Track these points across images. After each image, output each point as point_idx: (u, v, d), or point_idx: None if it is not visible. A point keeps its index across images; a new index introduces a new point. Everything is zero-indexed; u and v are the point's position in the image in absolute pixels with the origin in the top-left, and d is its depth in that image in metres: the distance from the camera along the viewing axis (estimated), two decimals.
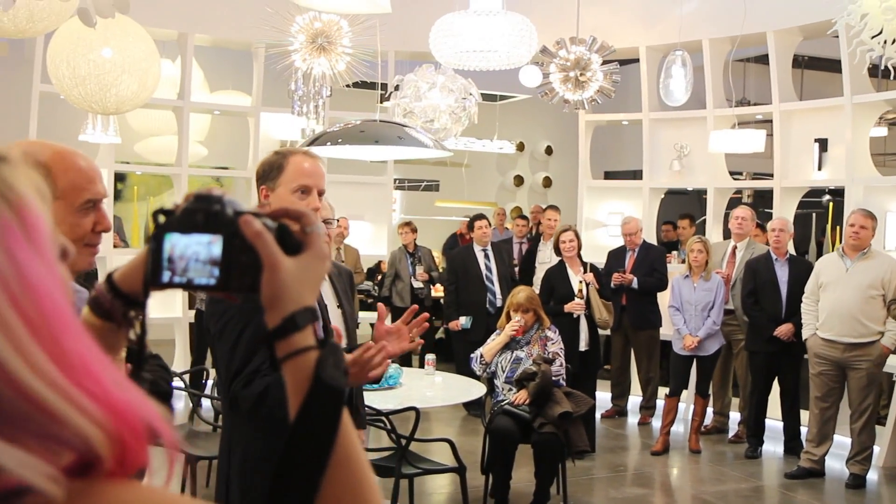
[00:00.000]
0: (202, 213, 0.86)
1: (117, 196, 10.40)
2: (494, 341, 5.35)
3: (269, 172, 2.32)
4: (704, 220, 8.37)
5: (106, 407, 0.61)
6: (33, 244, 0.63)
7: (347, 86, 6.21)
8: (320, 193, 2.47)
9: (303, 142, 4.88)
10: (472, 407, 6.22)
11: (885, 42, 5.04)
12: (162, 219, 0.87)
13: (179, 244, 0.85)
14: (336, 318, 3.25)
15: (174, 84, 8.41)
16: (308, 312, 0.87)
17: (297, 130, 7.87)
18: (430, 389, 5.18)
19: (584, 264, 6.49)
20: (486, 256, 7.73)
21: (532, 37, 5.41)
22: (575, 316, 6.33)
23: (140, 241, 8.26)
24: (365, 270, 8.96)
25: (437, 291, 9.73)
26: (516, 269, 8.62)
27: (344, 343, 3.26)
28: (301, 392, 0.82)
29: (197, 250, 0.85)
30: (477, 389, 5.22)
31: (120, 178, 10.04)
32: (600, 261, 7.70)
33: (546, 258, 8.18)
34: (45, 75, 5.78)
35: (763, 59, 8.22)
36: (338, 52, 5.60)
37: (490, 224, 7.99)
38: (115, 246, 8.01)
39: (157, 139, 9.35)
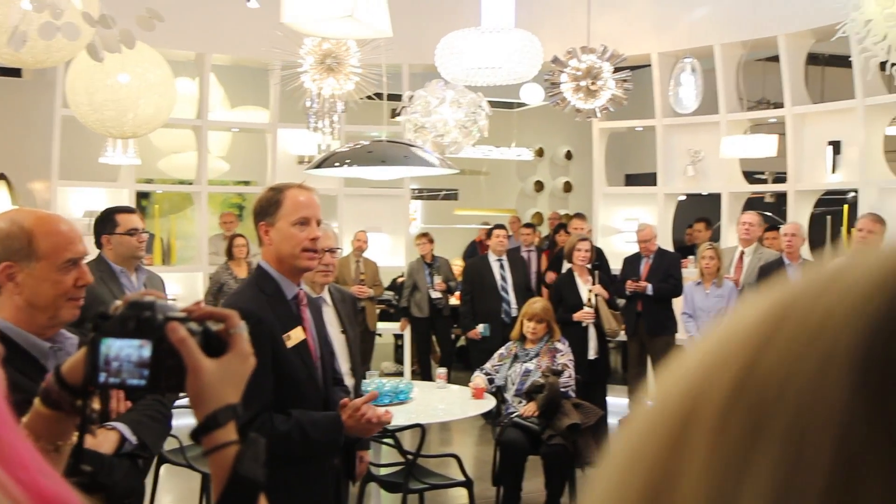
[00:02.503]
0: (134, 319, 0.97)
1: (142, 213, 10.61)
2: (476, 381, 5.40)
3: (268, 209, 2.43)
4: (720, 224, 8.39)
5: (35, 495, 0.67)
6: None
7: (364, 98, 6.34)
8: (318, 223, 2.58)
9: (312, 163, 4.99)
10: (490, 415, 6.30)
11: (890, 48, 5.07)
12: (100, 324, 0.98)
13: (114, 347, 0.96)
14: (339, 344, 3.37)
15: (195, 102, 8.59)
16: (230, 410, 0.98)
17: (314, 145, 8.03)
18: (442, 403, 5.27)
19: (593, 274, 6.55)
20: (502, 266, 7.81)
21: (537, 53, 5.49)
22: (584, 325, 6.40)
23: (161, 258, 8.42)
24: (384, 283, 9.07)
25: (456, 300, 9.84)
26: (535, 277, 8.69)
27: (347, 367, 3.38)
28: (221, 483, 0.93)
29: (129, 353, 0.96)
30: (489, 402, 5.30)
31: (144, 194, 10.25)
32: (616, 267, 7.76)
33: None
34: (66, 100, 5.96)
35: (779, 59, 8.23)
36: (346, 73, 5.72)
37: (509, 234, 8.07)
38: (147, 265, 8.21)
39: (180, 156, 9.55)
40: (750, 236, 7.04)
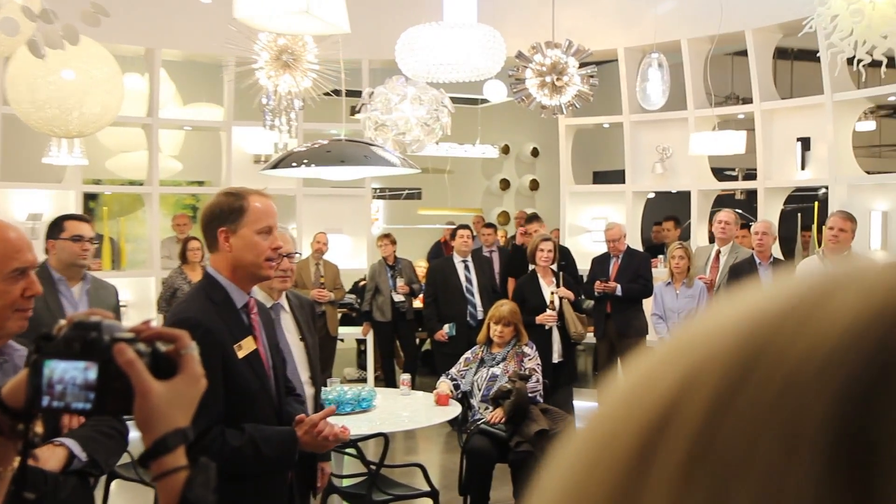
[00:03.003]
0: (79, 340, 0.95)
1: (90, 214, 10.47)
2: (442, 386, 5.42)
3: (229, 215, 2.41)
4: (690, 222, 8.48)
5: None
6: None
7: (322, 95, 6.30)
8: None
9: (269, 163, 4.96)
10: (456, 422, 6.32)
11: (856, 43, 5.16)
12: (43, 346, 0.96)
13: (58, 370, 0.94)
14: (298, 352, 3.35)
15: (145, 99, 8.49)
16: (179, 435, 0.96)
17: (270, 144, 7.98)
18: (406, 410, 5.26)
19: (556, 274, 6.59)
20: (467, 267, 7.83)
21: (500, 48, 5.50)
22: (547, 328, 6.43)
23: (110, 262, 8.32)
24: (346, 286, 9.04)
25: (420, 303, 9.83)
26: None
27: (307, 375, 3.36)
28: None
29: (74, 376, 0.94)
30: (454, 408, 5.31)
31: (92, 195, 10.12)
32: (584, 268, 7.81)
33: None
34: (6, 97, 5.86)
35: (747, 53, 8.34)
36: (303, 69, 5.69)
37: (473, 234, 8.09)
38: (95, 269, 8.10)
39: (130, 155, 9.43)
40: (726, 235, 7.10)
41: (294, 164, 4.76)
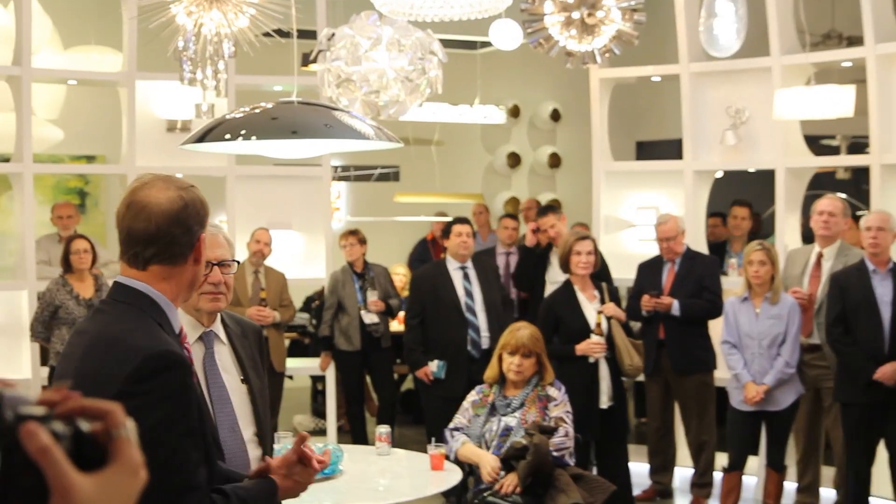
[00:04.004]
0: None
1: None
2: (470, 448, 5.45)
3: (205, 216, 2.59)
4: (773, 212, 8.50)
5: None
6: None
7: (263, 36, 6.31)
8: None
9: (192, 135, 4.96)
10: (453, 493, 6.33)
11: None
12: None
13: None
14: (240, 399, 3.35)
15: (9, 40, 8.47)
16: None
17: (190, 106, 7.99)
18: (384, 476, 5.28)
19: (599, 286, 6.61)
20: (466, 276, 7.85)
21: None
22: (592, 361, 6.46)
23: None
24: (297, 303, 9.05)
25: (400, 325, 9.85)
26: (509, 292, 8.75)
27: (251, 431, 3.37)
28: None
29: None
30: (454, 474, 5.33)
31: None
32: (626, 277, 7.82)
33: (560, 276, 8.30)
34: None
35: None
36: (236, 2, 5.70)
37: (473, 230, 8.10)
38: None
39: None
40: (831, 231, 7.09)
41: (227, 135, 4.75)
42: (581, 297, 6.58)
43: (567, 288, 6.67)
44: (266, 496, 2.64)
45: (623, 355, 6.40)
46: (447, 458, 5.42)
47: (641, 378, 7.60)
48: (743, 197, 9.48)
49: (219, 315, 3.37)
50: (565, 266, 6.67)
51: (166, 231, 2.49)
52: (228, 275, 3.33)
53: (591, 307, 6.49)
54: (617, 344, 6.43)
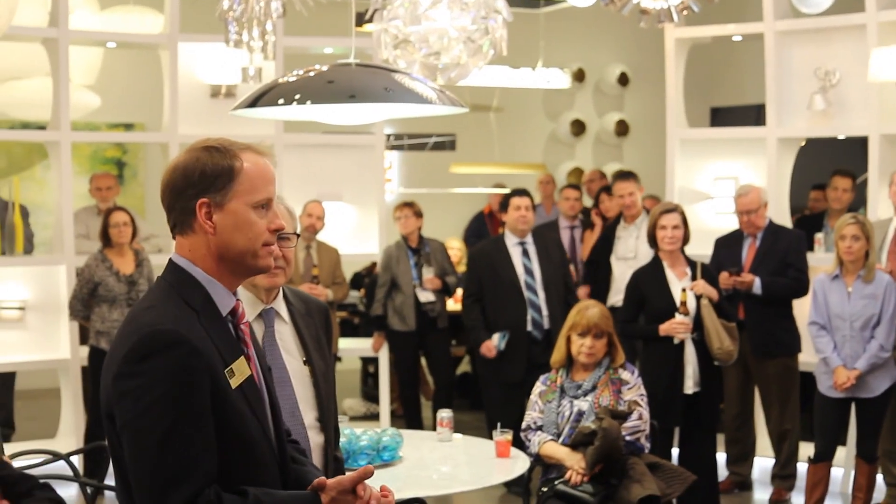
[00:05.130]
0: None
1: None
2: (553, 446, 5.44)
3: (213, 180, 2.43)
4: (866, 179, 8.37)
5: None
6: None
7: None
8: None
9: (244, 99, 4.97)
10: (515, 484, 6.33)
11: None
12: None
13: None
14: (301, 382, 3.36)
15: (44, 4, 8.53)
16: None
17: (236, 70, 8.00)
18: (446, 463, 5.28)
19: (692, 263, 6.56)
20: (525, 253, 7.83)
21: None
22: (676, 342, 6.41)
23: None
24: (348, 279, 9.08)
25: (457, 303, 9.85)
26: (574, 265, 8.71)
27: (313, 416, 3.37)
28: None
29: None
30: (521, 461, 5.33)
31: None
32: (703, 253, 7.75)
33: (630, 251, 8.23)
34: None
35: None
36: None
37: (533, 203, 8.06)
38: None
39: (24, 85, 9.48)
40: None
41: (281, 100, 4.76)
42: (670, 274, 6.52)
43: (655, 264, 6.61)
44: None
45: (712, 338, 6.32)
46: (529, 455, 5.43)
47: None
48: (843, 166, 9.30)
49: (281, 291, 3.38)
50: (652, 241, 6.61)
51: (165, 199, 2.48)
52: (288, 248, 3.33)
53: (679, 285, 6.43)
54: (706, 325, 6.34)
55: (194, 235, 2.45)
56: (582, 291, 8.51)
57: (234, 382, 2.39)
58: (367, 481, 2.44)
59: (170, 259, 2.51)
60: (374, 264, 9.84)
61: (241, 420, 2.37)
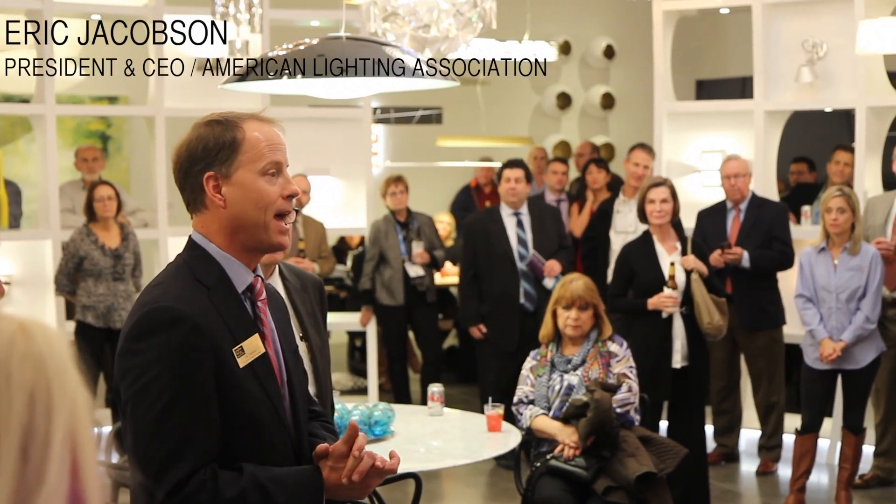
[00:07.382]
0: None
1: None
2: (545, 421, 5.45)
3: (217, 153, 2.42)
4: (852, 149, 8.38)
5: None
6: None
7: None
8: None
9: (228, 77, 4.95)
10: (505, 458, 6.33)
11: None
12: None
13: None
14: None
15: None
16: None
17: (223, 43, 7.95)
18: (437, 438, 5.29)
19: (683, 238, 6.55)
20: (520, 223, 7.83)
21: None
22: (665, 316, 6.41)
23: None
24: (332, 253, 9.06)
25: (445, 277, 9.83)
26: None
27: (312, 391, 3.37)
28: None
29: None
30: (512, 435, 5.34)
31: None
32: (689, 226, 7.76)
33: (630, 225, 8.22)
34: None
35: None
36: None
37: (528, 175, 8.04)
38: None
39: (6, 56, 9.42)
40: None
41: (271, 73, 4.73)
42: (659, 248, 6.51)
43: (645, 238, 6.60)
44: (300, 485, 2.43)
45: (702, 313, 6.31)
46: (520, 428, 5.44)
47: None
48: (822, 141, 9.31)
49: (277, 267, 3.37)
50: (642, 215, 6.60)
51: (176, 179, 2.50)
52: (287, 224, 3.32)
53: (668, 259, 6.42)
54: (696, 300, 6.33)
55: (207, 212, 2.47)
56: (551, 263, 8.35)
57: (244, 361, 2.39)
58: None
59: (189, 235, 2.53)
60: (361, 238, 9.83)
61: (248, 399, 2.37)
